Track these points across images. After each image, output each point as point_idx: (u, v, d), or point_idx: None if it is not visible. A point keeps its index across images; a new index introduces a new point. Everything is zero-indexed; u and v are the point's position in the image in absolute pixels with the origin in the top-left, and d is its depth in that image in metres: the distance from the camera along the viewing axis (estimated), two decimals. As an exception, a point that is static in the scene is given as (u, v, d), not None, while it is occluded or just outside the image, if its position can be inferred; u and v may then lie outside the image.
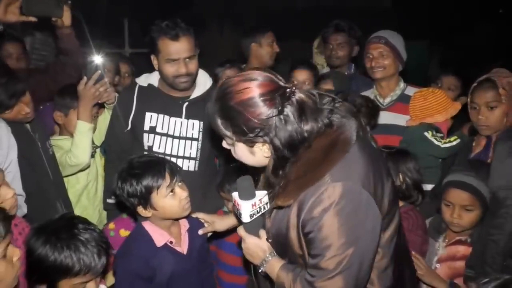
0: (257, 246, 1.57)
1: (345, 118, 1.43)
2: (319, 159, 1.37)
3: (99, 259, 1.51)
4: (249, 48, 3.38)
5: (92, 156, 2.62)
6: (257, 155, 1.43)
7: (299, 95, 1.37)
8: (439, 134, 2.63)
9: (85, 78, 2.45)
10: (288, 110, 1.35)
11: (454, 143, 2.59)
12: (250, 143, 1.40)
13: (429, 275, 2.10)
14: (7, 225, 1.33)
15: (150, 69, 2.53)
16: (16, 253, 1.36)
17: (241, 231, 1.59)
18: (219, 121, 1.40)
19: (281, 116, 1.34)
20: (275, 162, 1.41)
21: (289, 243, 1.47)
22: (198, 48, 2.37)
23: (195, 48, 2.34)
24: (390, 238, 1.49)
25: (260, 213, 1.54)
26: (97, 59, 2.78)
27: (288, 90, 1.36)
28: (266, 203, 1.55)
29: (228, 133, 1.41)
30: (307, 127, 1.36)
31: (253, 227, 1.57)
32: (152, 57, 2.37)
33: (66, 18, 2.33)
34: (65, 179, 2.51)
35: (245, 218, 1.52)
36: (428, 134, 2.59)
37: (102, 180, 2.69)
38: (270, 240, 1.56)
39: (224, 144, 1.51)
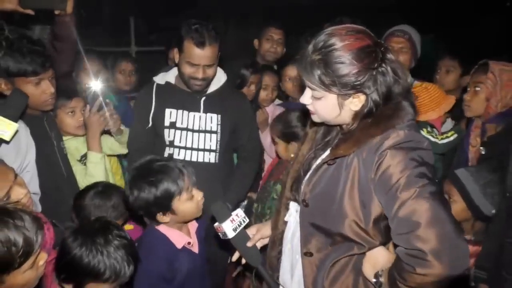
0: (383, 255, 1.47)
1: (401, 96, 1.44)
2: (389, 114, 1.38)
3: (128, 267, 1.53)
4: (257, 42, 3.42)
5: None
6: (345, 108, 1.41)
7: (389, 54, 1.39)
8: (435, 130, 2.61)
9: (88, 106, 2.45)
10: (386, 65, 1.36)
11: (452, 138, 2.58)
12: (346, 95, 1.38)
13: None
14: (42, 234, 1.30)
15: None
16: (42, 257, 1.34)
17: None
18: (317, 72, 1.36)
19: (381, 69, 1.35)
20: (365, 114, 1.40)
21: (339, 204, 1.43)
22: (219, 53, 2.38)
23: (217, 56, 2.37)
24: None
25: (242, 226, 1.67)
26: (95, 85, 2.74)
27: (383, 47, 1.37)
28: (244, 217, 1.68)
29: (324, 85, 1.37)
30: (401, 81, 1.39)
31: (241, 240, 1.68)
32: (175, 50, 2.39)
33: (68, 6, 2.20)
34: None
35: (230, 234, 1.65)
36: (424, 132, 2.57)
37: (113, 176, 2.70)
38: (307, 201, 1.51)
39: (305, 98, 1.46)
